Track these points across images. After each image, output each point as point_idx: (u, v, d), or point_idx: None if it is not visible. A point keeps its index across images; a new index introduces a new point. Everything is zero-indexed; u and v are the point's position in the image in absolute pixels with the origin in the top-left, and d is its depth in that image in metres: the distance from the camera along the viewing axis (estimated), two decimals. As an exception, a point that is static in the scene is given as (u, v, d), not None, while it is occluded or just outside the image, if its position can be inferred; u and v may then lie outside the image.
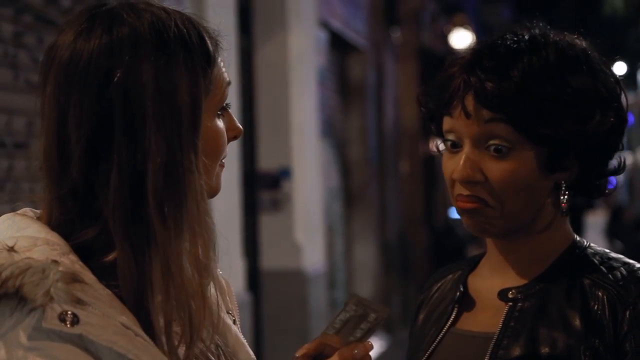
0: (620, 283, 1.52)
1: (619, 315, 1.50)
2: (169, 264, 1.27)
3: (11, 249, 1.25)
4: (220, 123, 1.36)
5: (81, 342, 1.23)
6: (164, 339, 1.28)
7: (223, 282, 1.54)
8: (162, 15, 1.31)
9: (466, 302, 1.64)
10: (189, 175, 1.28)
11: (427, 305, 1.73)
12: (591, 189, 1.60)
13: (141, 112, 1.26)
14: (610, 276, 1.54)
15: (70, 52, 1.29)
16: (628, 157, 25.83)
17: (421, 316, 1.73)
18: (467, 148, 1.54)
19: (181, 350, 1.30)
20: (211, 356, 1.39)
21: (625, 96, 1.60)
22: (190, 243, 1.29)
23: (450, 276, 1.72)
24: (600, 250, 1.60)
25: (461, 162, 1.54)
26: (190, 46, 1.31)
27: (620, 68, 22.78)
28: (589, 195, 1.61)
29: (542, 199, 1.56)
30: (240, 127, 1.41)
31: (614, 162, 1.60)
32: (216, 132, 1.35)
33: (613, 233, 14.25)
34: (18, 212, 1.35)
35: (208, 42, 1.33)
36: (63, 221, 1.30)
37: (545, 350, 1.51)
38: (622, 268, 1.55)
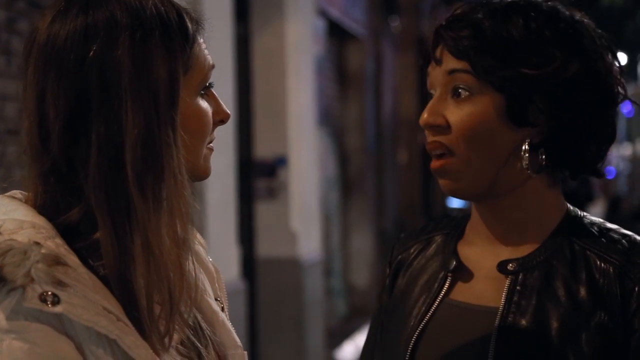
0: (626, 257, 1.50)
1: (627, 291, 1.48)
2: (148, 237, 1.28)
3: None
4: (203, 103, 1.37)
5: (60, 325, 1.24)
6: (146, 314, 1.29)
7: (212, 268, 1.55)
8: None
9: (459, 271, 1.60)
10: (167, 148, 1.29)
11: (409, 269, 1.69)
12: (565, 157, 1.54)
13: (117, 85, 1.28)
14: (613, 249, 1.51)
15: (47, 33, 1.31)
16: (628, 148, 25.83)
17: (402, 280, 1.69)
18: (436, 95, 1.55)
19: (162, 326, 1.30)
20: (197, 343, 1.40)
21: (617, 59, 1.56)
22: (168, 216, 1.30)
23: (436, 238, 1.69)
24: (596, 220, 1.58)
25: (426, 108, 1.55)
26: (168, 23, 1.32)
27: (621, 59, 22.64)
28: (570, 165, 1.56)
29: (507, 153, 1.52)
30: (228, 111, 1.42)
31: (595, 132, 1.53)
32: (198, 111, 1.36)
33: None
34: (6, 194, 1.35)
35: (187, 21, 1.35)
36: (48, 201, 1.32)
37: (554, 326, 1.48)
38: (623, 240, 1.53)
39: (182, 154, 1.31)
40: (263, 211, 6.92)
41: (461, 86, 1.52)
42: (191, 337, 1.39)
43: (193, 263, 1.36)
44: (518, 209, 1.56)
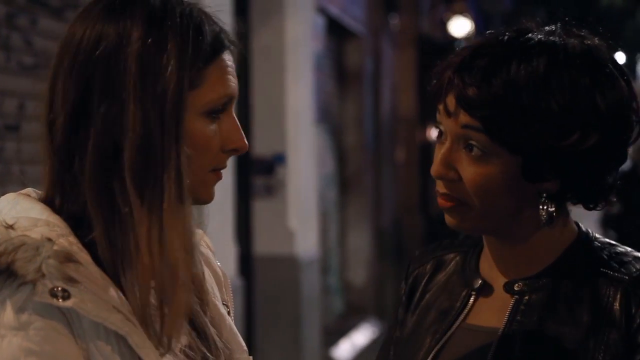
0: (634, 276, 1.49)
1: (633, 308, 1.47)
2: (138, 240, 1.28)
3: (9, 227, 1.26)
4: (206, 125, 1.35)
5: (67, 324, 1.24)
6: (140, 314, 1.29)
7: (220, 273, 1.56)
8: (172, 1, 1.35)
9: (481, 291, 1.60)
10: (168, 158, 1.30)
11: (427, 287, 1.68)
12: (582, 199, 1.54)
13: (121, 87, 1.29)
14: (623, 270, 1.50)
15: (69, 28, 1.35)
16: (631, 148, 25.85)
17: (421, 297, 1.68)
18: (447, 144, 1.52)
19: (157, 326, 1.30)
20: (206, 351, 1.40)
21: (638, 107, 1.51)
22: (158, 223, 1.29)
23: (453, 256, 1.68)
24: (606, 243, 1.56)
25: (438, 158, 1.52)
26: (185, 37, 1.32)
27: (620, 58, 22.69)
28: (582, 202, 1.55)
29: (522, 204, 1.52)
30: (244, 142, 1.39)
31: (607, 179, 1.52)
32: (195, 131, 1.34)
33: (606, 222, 14.24)
34: (22, 192, 1.36)
35: (207, 39, 1.35)
36: (56, 193, 1.33)
37: (553, 345, 1.48)
38: (633, 261, 1.52)
39: (185, 168, 1.31)
40: (261, 209, 6.92)
41: (475, 144, 1.48)
42: (200, 345, 1.39)
43: (194, 268, 1.36)
44: (527, 243, 1.55)
